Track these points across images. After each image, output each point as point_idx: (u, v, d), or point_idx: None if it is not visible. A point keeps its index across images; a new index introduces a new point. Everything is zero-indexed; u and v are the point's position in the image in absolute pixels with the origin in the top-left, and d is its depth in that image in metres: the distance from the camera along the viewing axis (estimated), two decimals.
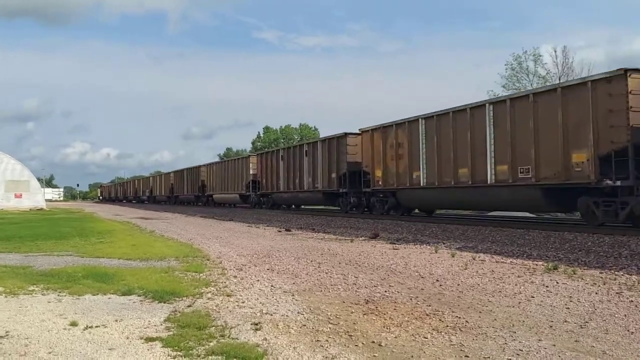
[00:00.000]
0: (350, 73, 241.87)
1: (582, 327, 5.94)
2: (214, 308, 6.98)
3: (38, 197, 55.71)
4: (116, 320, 6.33)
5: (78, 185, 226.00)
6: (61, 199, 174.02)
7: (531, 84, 40.56)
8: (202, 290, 8.15)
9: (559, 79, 38.45)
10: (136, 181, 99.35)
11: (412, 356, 5.04)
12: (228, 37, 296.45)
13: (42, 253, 13.40)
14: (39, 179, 68.57)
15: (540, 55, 42.85)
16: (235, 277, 9.60)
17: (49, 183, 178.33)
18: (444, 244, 14.42)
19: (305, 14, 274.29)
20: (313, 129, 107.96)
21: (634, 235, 12.60)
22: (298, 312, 6.76)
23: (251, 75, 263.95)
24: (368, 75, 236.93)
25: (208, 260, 11.99)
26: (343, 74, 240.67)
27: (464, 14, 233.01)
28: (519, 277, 9.14)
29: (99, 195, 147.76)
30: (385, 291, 8.12)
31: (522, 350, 5.15)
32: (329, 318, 6.46)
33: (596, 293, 7.65)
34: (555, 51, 42.14)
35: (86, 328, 5.99)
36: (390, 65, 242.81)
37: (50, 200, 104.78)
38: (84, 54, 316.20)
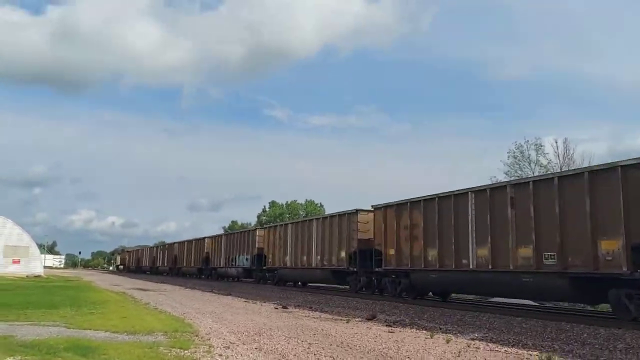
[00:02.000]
0: (357, 153, 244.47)
1: None
2: None
3: (36, 264, 55.48)
4: None
5: (80, 252, 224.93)
6: (62, 266, 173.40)
7: (532, 172, 41.21)
8: None
9: (560, 169, 39.14)
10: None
11: None
12: (240, 113, 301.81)
13: (28, 322, 13.27)
14: (40, 246, 68.60)
15: (541, 145, 43.82)
16: (220, 355, 9.44)
17: (50, 250, 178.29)
18: (440, 328, 14.19)
19: (316, 94, 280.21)
20: (319, 205, 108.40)
21: (630, 329, 12.41)
22: None
23: (259, 150, 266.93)
24: (375, 157, 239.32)
25: (197, 336, 11.82)
26: (350, 154, 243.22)
27: (472, 105, 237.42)
28: None
29: (118, 263, 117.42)
30: None
31: None
32: None
33: None
34: (556, 142, 43.08)
35: None
36: (397, 148, 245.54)
37: (50, 267, 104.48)
38: (96, 123, 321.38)
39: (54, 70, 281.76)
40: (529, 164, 43.66)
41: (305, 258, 34.60)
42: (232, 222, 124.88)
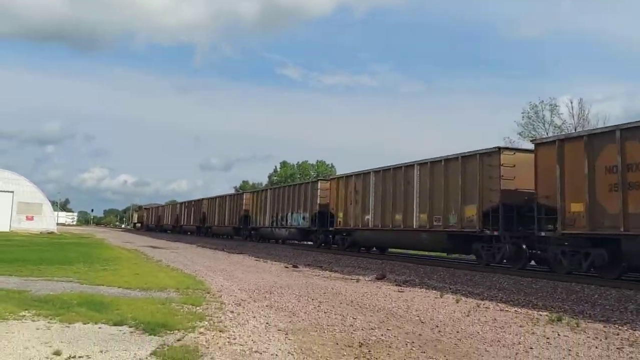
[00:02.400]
0: (369, 112, 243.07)
1: None
2: (204, 343, 6.90)
3: (49, 221, 56.06)
4: (101, 351, 6.28)
5: (92, 210, 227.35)
6: (75, 223, 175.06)
7: (547, 133, 40.70)
8: (196, 324, 8.08)
9: (575, 129, 38.61)
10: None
11: None
12: (253, 71, 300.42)
13: (42, 278, 13.42)
14: (53, 203, 69.19)
15: (556, 106, 43.24)
16: (232, 312, 9.52)
17: (63, 207, 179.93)
18: (450, 288, 14.23)
19: (330, 54, 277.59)
20: (330, 166, 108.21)
21: None
22: (288, 352, 6.67)
23: (272, 109, 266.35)
24: (387, 116, 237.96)
25: (208, 293, 11.92)
26: (362, 113, 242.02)
27: (485, 62, 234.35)
28: (520, 327, 8.98)
29: (135, 221, 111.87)
30: (382, 335, 8.00)
31: None
32: None
33: (596, 347, 7.47)
34: (571, 102, 42.45)
35: (69, 358, 5.94)
36: (411, 108, 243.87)
37: (62, 225, 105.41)
38: (110, 80, 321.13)
39: (69, 28, 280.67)
40: (543, 124, 43.26)
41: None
42: (244, 182, 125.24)
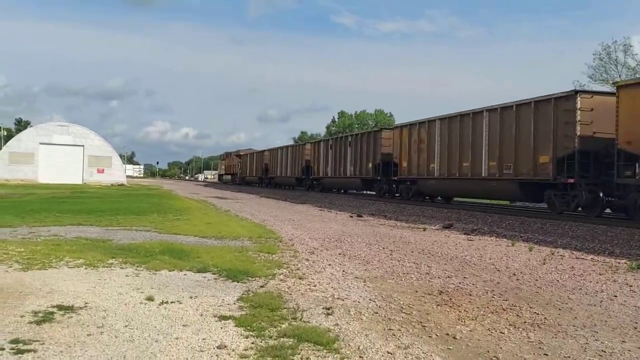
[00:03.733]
0: (429, 60, 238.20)
1: None
2: (286, 290, 6.99)
3: (119, 173, 57.75)
4: (191, 297, 6.43)
5: (157, 162, 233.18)
6: (141, 175, 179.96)
7: (619, 75, 38.77)
8: (275, 272, 8.18)
9: None
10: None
11: (488, 351, 4.87)
12: (307, 21, 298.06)
13: (121, 227, 13.84)
14: (120, 156, 71.03)
15: (631, 46, 40.89)
16: (307, 260, 9.61)
17: (130, 160, 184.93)
18: (521, 237, 13.99)
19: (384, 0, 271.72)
20: (389, 115, 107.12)
21: None
22: (370, 299, 6.68)
23: (328, 59, 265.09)
24: (446, 63, 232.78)
25: (280, 241, 12.07)
26: (420, 61, 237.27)
27: (548, 4, 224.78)
28: (600, 274, 8.74)
29: (222, 173, 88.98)
30: (460, 283, 7.93)
31: (604, 352, 4.90)
32: (402, 307, 6.35)
33: None
34: None
35: (162, 303, 6.11)
36: (470, 53, 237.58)
37: (130, 177, 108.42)
38: (166, 35, 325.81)
39: None
40: (616, 66, 41.22)
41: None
42: (302, 132, 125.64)
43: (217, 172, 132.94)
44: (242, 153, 75.64)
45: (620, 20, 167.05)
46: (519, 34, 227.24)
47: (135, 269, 8.07)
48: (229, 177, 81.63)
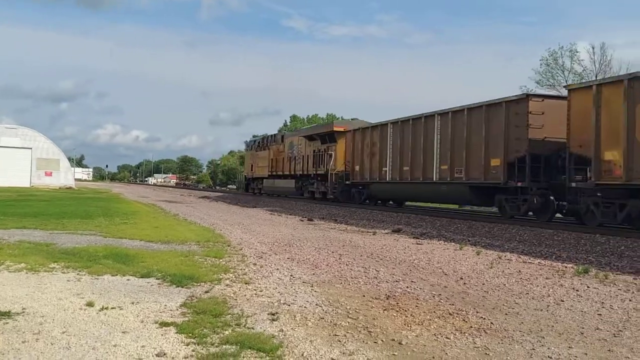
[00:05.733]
0: (379, 64, 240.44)
1: (615, 336, 5.62)
2: (232, 295, 6.80)
3: (68, 176, 56.15)
4: (132, 303, 6.19)
5: (107, 166, 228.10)
6: (91, 179, 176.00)
7: (566, 81, 39.50)
8: (221, 277, 7.99)
9: (596, 76, 37.39)
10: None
11: (433, 357, 4.80)
12: (259, 24, 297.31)
13: (66, 231, 13.39)
14: (69, 159, 69.27)
15: (577, 52, 41.67)
16: (254, 264, 9.43)
17: (79, 163, 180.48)
18: (468, 240, 14.08)
19: (337, 4, 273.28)
20: (340, 119, 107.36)
21: None
22: (316, 304, 6.55)
23: (280, 63, 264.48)
24: (396, 67, 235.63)
25: (229, 246, 11.85)
26: (371, 65, 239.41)
27: (498, 9, 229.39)
28: (547, 279, 8.81)
29: (251, 173, 46.00)
30: (407, 287, 7.88)
31: (551, 357, 4.88)
32: (348, 312, 6.24)
33: (630, 300, 7.28)
34: (592, 48, 41.00)
35: (102, 309, 5.86)
36: (420, 58, 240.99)
37: (79, 180, 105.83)
38: (119, 37, 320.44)
39: None
40: (563, 72, 41.99)
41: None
42: (254, 136, 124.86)
43: (167, 176, 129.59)
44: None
45: (565, 25, 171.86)
46: (468, 39, 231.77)
47: (77, 274, 7.77)
48: (281, 182, 39.40)
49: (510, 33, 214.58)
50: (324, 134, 32.40)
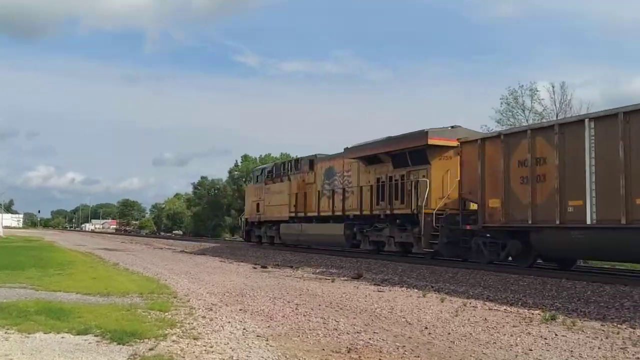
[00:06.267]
0: (333, 101, 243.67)
1: None
2: (179, 352, 6.66)
3: None
4: None
5: (39, 211, 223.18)
6: (21, 226, 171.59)
7: (527, 120, 40.63)
8: (167, 332, 7.82)
9: (557, 116, 38.55)
10: None
11: None
12: (207, 60, 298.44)
13: None
14: None
15: (537, 91, 42.92)
16: (204, 317, 9.28)
17: (8, 208, 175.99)
18: (432, 287, 14.18)
19: (289, 38, 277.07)
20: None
21: (637, 285, 12.42)
22: None
23: (229, 101, 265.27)
24: (353, 105, 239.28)
25: (175, 297, 11.65)
26: (325, 102, 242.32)
27: (456, 48, 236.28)
28: (514, 327, 8.92)
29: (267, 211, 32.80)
30: (370, 338, 7.86)
31: None
32: None
33: (599, 348, 7.43)
34: (553, 87, 42.29)
35: None
36: (378, 96, 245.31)
37: (8, 227, 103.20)
38: (53, 72, 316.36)
39: (7, 16, 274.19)
40: (523, 111, 43.05)
41: None
42: (202, 177, 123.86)
43: (105, 221, 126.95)
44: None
45: (525, 65, 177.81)
46: (427, 77, 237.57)
47: (5, 332, 7.50)
48: (316, 228, 28.40)
49: (470, 71, 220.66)
50: (403, 152, 21.90)
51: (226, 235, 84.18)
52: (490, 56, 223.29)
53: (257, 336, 7.84)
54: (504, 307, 11.06)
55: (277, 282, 15.08)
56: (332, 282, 15.62)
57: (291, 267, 20.70)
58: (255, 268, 20.23)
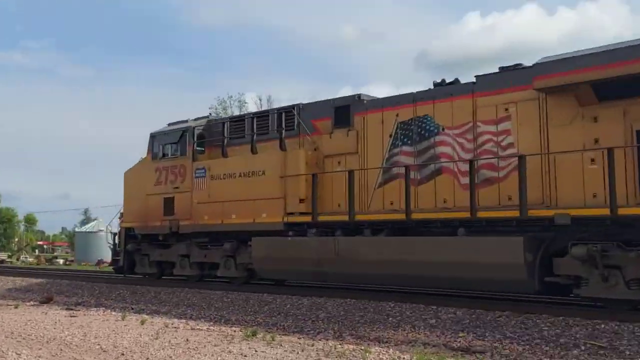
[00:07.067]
0: (26, 99, 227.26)
1: None
2: None
3: None
4: None
5: None
6: None
7: None
8: None
9: None
10: None
11: None
12: None
13: None
14: None
15: (245, 102, 45.08)
16: None
17: None
18: (132, 308, 14.21)
19: None
20: None
21: (331, 298, 13.64)
22: None
23: None
24: (51, 104, 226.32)
25: None
26: (15, 100, 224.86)
27: (168, 51, 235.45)
28: (215, 346, 9.34)
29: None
30: None
31: None
32: None
33: None
34: (260, 99, 44.85)
35: None
36: (80, 95, 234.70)
37: None
38: None
39: None
40: None
41: None
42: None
43: None
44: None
45: (233, 75, 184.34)
46: (132, 79, 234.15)
47: None
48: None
49: (177, 76, 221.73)
50: None
51: None
52: (202, 62, 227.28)
53: None
54: (207, 325, 11.50)
55: None
56: (15, 307, 14.87)
57: None
58: None
